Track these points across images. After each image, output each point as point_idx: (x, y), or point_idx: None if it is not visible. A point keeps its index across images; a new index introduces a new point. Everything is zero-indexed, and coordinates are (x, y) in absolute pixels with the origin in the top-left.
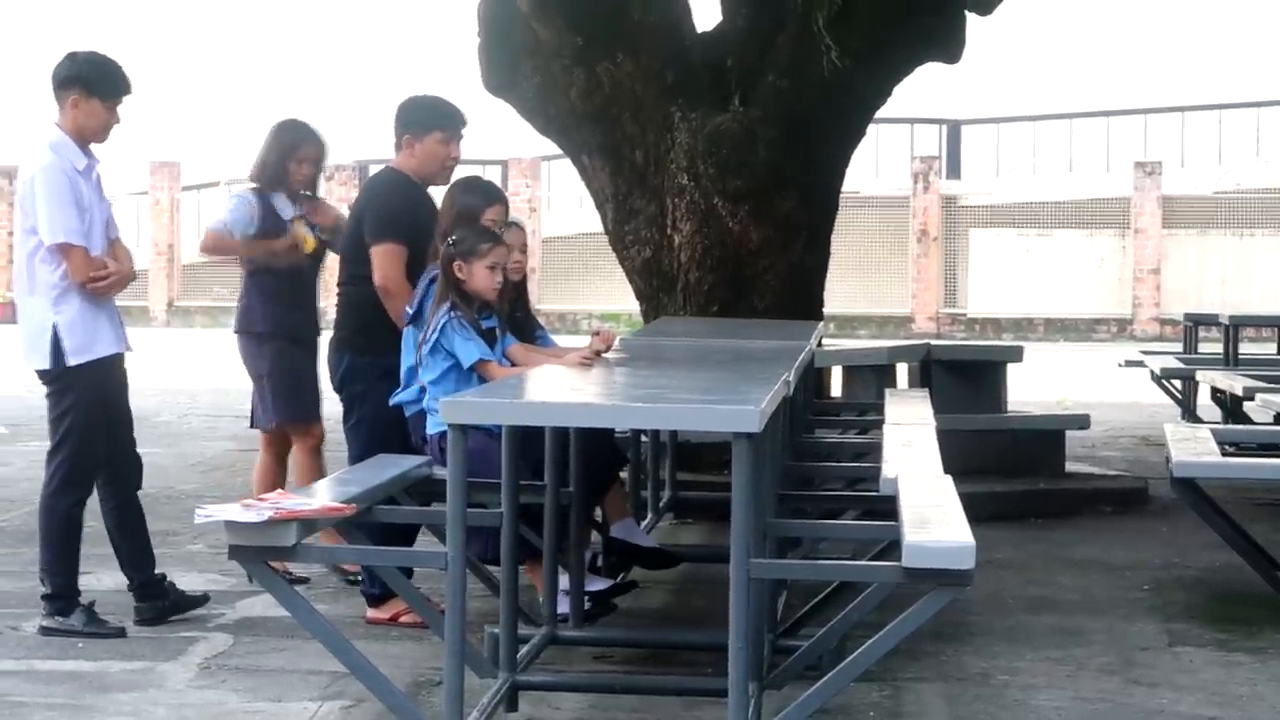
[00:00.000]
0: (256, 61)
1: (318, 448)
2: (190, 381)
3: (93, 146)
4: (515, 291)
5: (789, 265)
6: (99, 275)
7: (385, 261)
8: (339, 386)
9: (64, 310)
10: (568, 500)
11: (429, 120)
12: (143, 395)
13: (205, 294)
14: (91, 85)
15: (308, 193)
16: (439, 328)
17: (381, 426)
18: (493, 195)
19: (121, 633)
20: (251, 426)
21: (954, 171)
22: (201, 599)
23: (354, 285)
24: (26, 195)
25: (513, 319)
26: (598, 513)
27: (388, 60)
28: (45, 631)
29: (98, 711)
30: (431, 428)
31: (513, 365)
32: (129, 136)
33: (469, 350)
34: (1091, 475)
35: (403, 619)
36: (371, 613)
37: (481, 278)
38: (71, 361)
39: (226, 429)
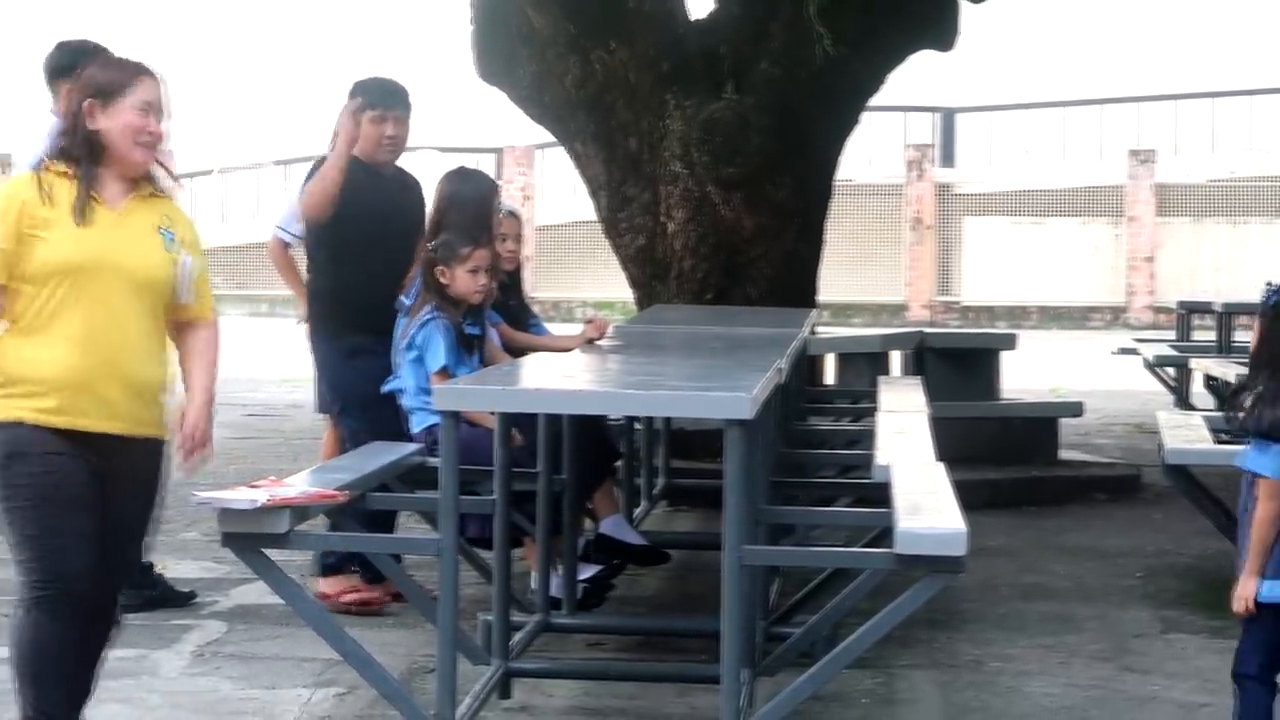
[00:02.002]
0: (248, 49)
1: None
2: None
3: None
4: (510, 280)
5: (782, 253)
6: None
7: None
8: (319, 373)
9: None
10: (561, 487)
11: (359, 100)
12: None
13: None
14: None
15: None
16: (421, 324)
17: (370, 406)
18: (493, 182)
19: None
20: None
21: (948, 159)
22: (188, 596)
23: (312, 271)
24: None
25: (507, 308)
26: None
27: (382, 48)
28: None
29: (91, 699)
30: (415, 425)
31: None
32: None
33: (437, 356)
34: (1085, 463)
35: (345, 598)
36: (322, 584)
37: (463, 282)
38: None
39: (220, 416)
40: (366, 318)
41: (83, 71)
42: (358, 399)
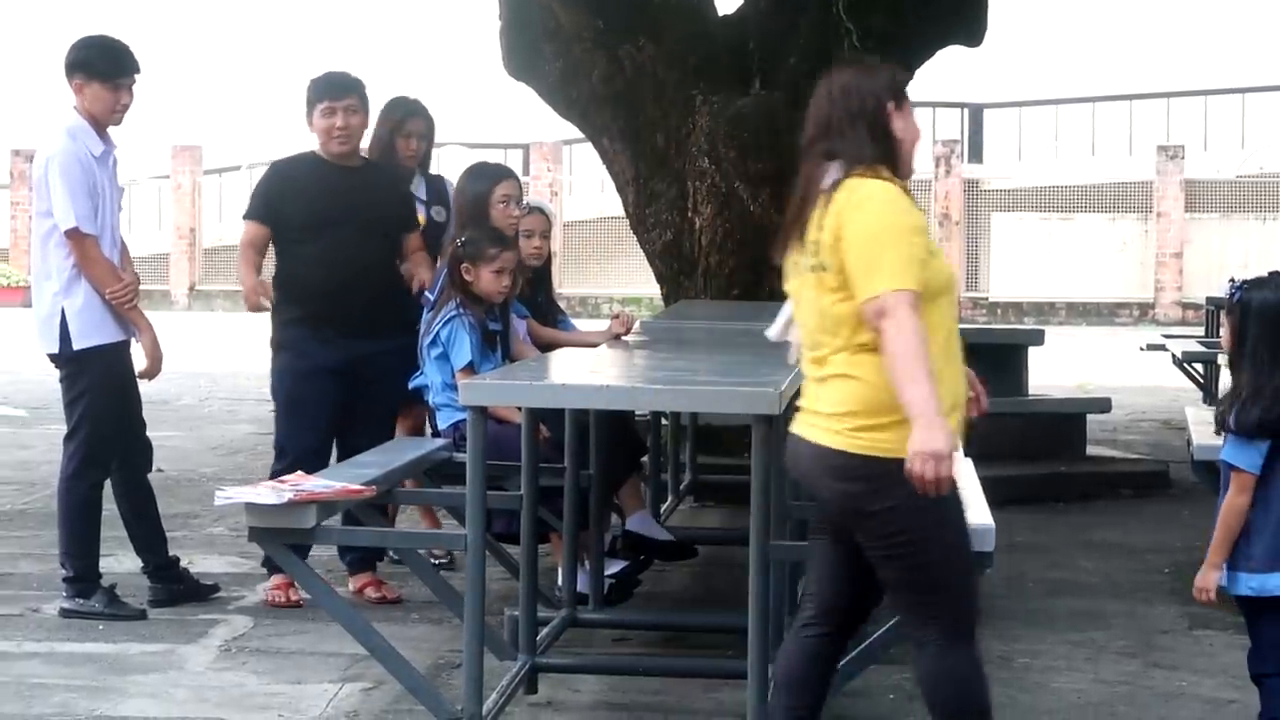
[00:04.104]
0: (278, 45)
1: (417, 427)
2: (211, 365)
3: (111, 131)
4: (539, 276)
5: None
6: (116, 291)
7: (242, 237)
8: None
9: (75, 295)
10: (587, 483)
11: (310, 96)
12: (163, 379)
13: (227, 278)
14: (92, 68)
15: (435, 173)
16: (446, 320)
17: (283, 400)
18: (499, 174)
19: (142, 615)
20: None
21: (976, 155)
22: (212, 589)
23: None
24: (41, 179)
25: (534, 304)
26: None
27: (410, 44)
28: (66, 614)
29: (118, 693)
30: (442, 421)
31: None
32: (151, 120)
33: (463, 353)
34: (1112, 459)
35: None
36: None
37: (488, 281)
38: (78, 345)
39: (247, 412)
40: (298, 310)
41: (884, 75)
42: (275, 390)
